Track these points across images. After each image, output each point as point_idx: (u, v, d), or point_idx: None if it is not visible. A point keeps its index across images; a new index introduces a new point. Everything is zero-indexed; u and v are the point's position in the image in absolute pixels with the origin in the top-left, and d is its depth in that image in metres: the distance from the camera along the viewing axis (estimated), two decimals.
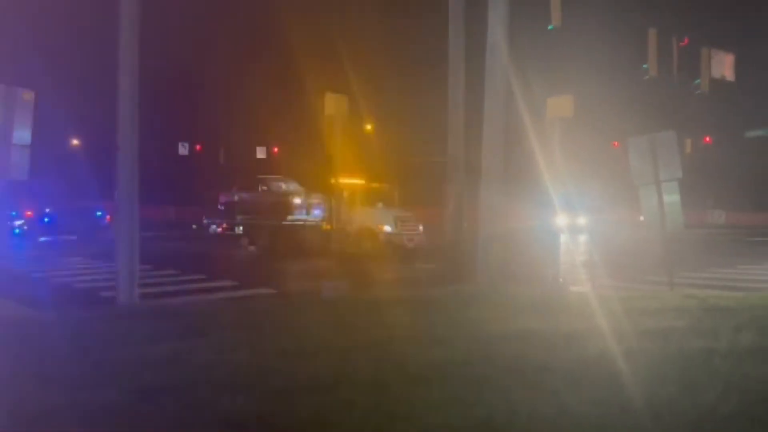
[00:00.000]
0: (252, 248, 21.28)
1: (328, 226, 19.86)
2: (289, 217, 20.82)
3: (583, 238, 22.84)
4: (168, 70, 40.05)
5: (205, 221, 24.39)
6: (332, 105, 18.40)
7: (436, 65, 14.28)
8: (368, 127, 37.66)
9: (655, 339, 6.41)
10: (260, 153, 39.93)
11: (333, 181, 20.16)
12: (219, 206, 23.71)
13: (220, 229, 23.18)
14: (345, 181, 20.55)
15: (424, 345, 6.29)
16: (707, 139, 29.09)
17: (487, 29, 11.40)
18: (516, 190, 15.34)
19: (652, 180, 12.71)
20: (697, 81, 16.69)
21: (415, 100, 34.58)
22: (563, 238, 17.78)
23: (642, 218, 13.08)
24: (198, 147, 41.59)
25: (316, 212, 20.89)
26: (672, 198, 13.33)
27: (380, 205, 20.50)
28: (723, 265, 17.35)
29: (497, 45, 11.40)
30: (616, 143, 28.92)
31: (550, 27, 12.88)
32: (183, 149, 40.17)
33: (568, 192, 19.41)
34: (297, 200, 21.17)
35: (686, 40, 16.57)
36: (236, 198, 22.65)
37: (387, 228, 19.13)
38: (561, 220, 20.65)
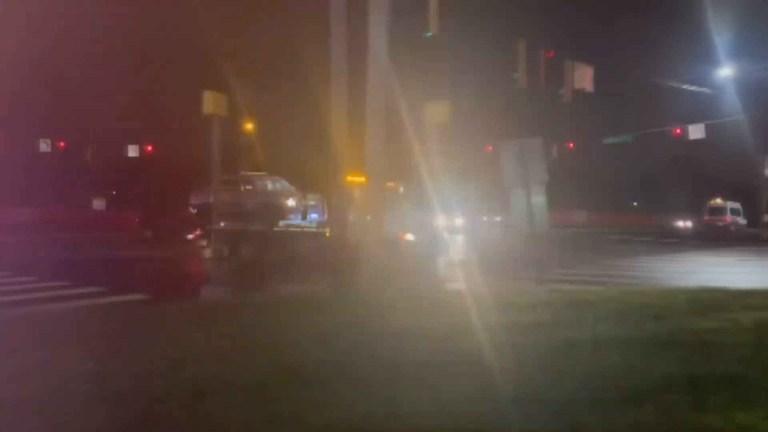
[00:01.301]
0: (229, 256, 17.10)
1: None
2: (282, 222, 17.91)
3: (460, 239, 23.73)
4: (29, 64, 37.07)
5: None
6: (211, 103, 17.48)
7: (319, 67, 14.27)
8: (248, 126, 36.90)
9: (524, 332, 6.82)
10: (132, 151, 37.75)
11: (340, 179, 17.40)
12: (190, 208, 20.69)
13: (191, 236, 20.68)
14: (354, 179, 16.95)
15: (306, 346, 6.28)
16: (571, 144, 31.32)
17: (368, 34, 11.57)
18: (400, 192, 15.77)
19: (521, 183, 13.51)
20: (561, 91, 17.97)
21: (300, 101, 34.43)
22: (444, 239, 18.22)
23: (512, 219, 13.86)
24: (62, 144, 38.75)
25: (313, 216, 18.32)
26: (539, 199, 14.26)
27: (397, 207, 17.40)
28: (586, 261, 18.75)
29: (378, 50, 11.60)
30: (489, 147, 30.30)
31: (428, 34, 13.31)
32: (45, 146, 37.27)
33: (447, 194, 19.25)
34: (291, 202, 18.27)
35: (552, 53, 17.77)
36: (212, 199, 18.56)
37: (410, 237, 15.85)
38: (441, 221, 19.44)
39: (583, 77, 18.26)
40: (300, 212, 18.23)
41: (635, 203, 44.83)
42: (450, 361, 5.64)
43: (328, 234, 15.91)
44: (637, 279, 14.39)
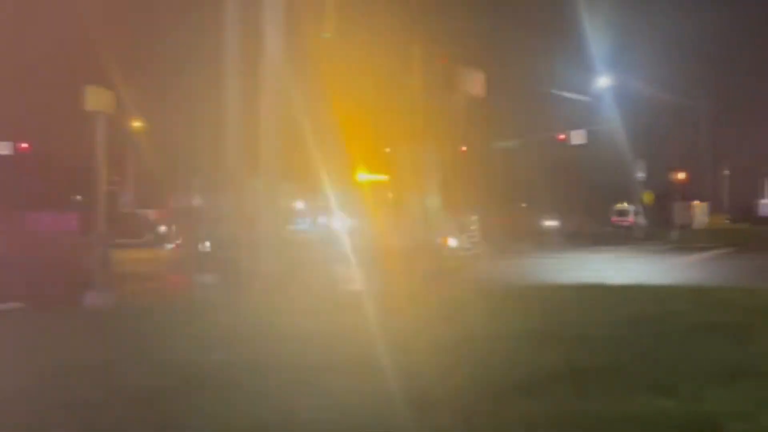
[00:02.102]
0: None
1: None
2: (289, 228, 15.62)
3: (357, 240, 23.75)
4: None
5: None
6: (94, 99, 16.24)
7: (213, 64, 13.86)
8: (136, 124, 35.20)
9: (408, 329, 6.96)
10: (4, 149, 34.85)
11: (357, 177, 15.23)
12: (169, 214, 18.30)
13: (173, 245, 17.18)
14: (373, 177, 15.56)
15: (194, 352, 6.08)
16: (463, 149, 32.36)
17: (263, 33, 11.38)
18: (294, 193, 15.55)
19: (415, 185, 13.84)
20: (454, 96, 18.52)
21: (193, 99, 33.22)
22: (340, 240, 18.04)
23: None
24: None
25: (323, 220, 16.28)
26: (433, 200, 14.65)
27: (429, 210, 15.19)
28: None
29: (273, 49, 11.44)
30: (386, 150, 30.64)
31: (325, 36, 13.27)
32: None
33: (343, 195, 18.53)
34: (298, 205, 16.16)
35: (445, 59, 18.29)
36: (197, 203, 16.20)
37: (452, 241, 14.53)
38: (337, 222, 18.17)
39: (475, 83, 18.93)
40: (309, 216, 16.33)
41: (524, 205, 47.16)
42: (345, 365, 5.65)
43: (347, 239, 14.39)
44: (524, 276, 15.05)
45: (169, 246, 18.34)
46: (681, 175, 34.60)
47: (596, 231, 32.35)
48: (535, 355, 5.71)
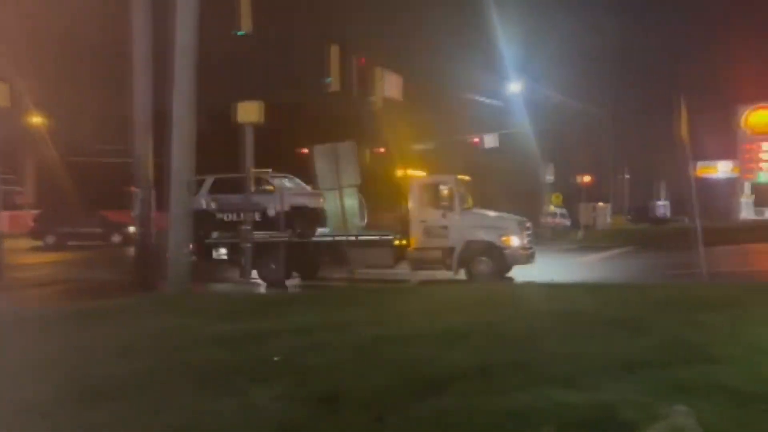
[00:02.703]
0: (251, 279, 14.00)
1: (402, 242, 13.86)
2: (321, 230, 14.70)
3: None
4: None
5: None
6: None
7: (123, 61, 13.29)
8: (36, 119, 33.23)
9: (338, 330, 6.98)
10: None
11: (401, 174, 14.75)
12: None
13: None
14: (416, 174, 14.83)
15: (104, 359, 5.85)
16: (382, 149, 32.62)
17: (175, 29, 11.05)
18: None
19: (334, 185, 13.84)
20: (372, 98, 18.68)
21: (97, 95, 31.75)
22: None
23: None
24: None
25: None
26: (351, 201, 14.72)
27: (481, 207, 14.79)
28: None
29: (186, 47, 11.12)
30: (304, 150, 30.56)
31: (240, 33, 13.03)
32: None
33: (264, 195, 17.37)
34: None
35: (363, 60, 18.40)
36: (212, 204, 14.73)
37: (515, 240, 13.58)
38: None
39: (393, 85, 19.16)
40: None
41: None
42: (259, 364, 5.61)
43: (397, 242, 13.87)
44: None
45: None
46: (586, 178, 36.39)
47: None
48: (446, 353, 5.86)
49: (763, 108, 37.36)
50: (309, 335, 6.70)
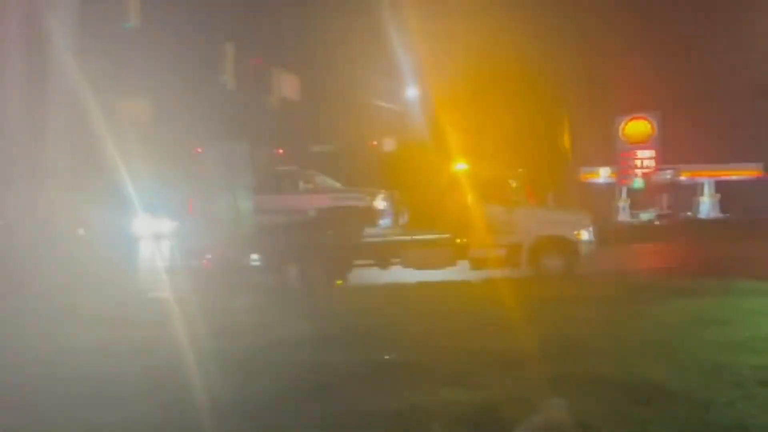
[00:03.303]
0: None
1: (463, 239, 12.89)
2: (373, 231, 13.68)
3: (166, 244, 22.41)
4: None
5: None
6: None
7: None
8: None
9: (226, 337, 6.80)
10: None
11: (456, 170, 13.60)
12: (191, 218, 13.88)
13: (204, 261, 13.72)
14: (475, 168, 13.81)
15: None
16: (280, 150, 32.16)
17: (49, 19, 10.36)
18: (87, 193, 14.30)
19: (227, 185, 13.51)
20: (269, 98, 18.41)
21: None
22: (144, 243, 16.80)
23: None
24: None
25: (402, 220, 14.23)
26: (244, 203, 14.32)
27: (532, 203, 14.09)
28: None
29: (63, 41, 10.45)
30: (198, 149, 29.62)
31: (127, 25, 12.43)
32: None
33: (152, 196, 14.89)
34: (380, 203, 13.73)
35: (260, 60, 18.08)
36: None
37: (585, 235, 13.08)
38: (142, 224, 16.57)
39: (289, 86, 18.98)
40: (391, 216, 13.93)
41: None
42: (145, 374, 5.35)
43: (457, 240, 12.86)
44: None
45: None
46: None
47: None
48: (334, 356, 5.85)
49: (637, 118, 40.23)
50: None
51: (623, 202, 46.04)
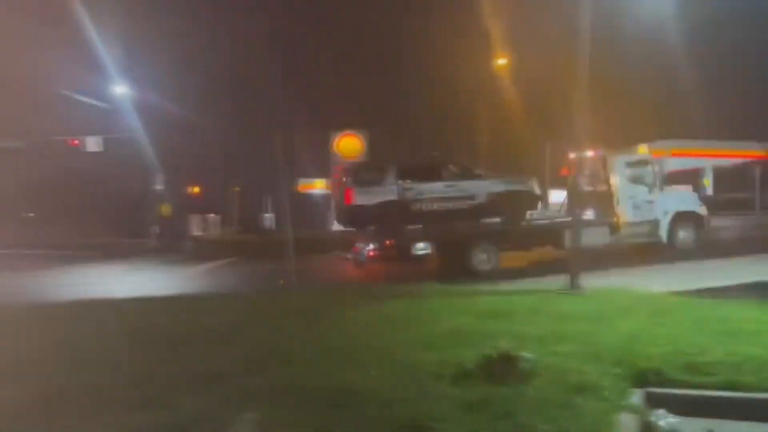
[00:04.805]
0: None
1: (616, 217, 14.95)
2: (529, 215, 14.99)
3: None
4: None
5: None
6: None
7: None
8: None
9: None
10: None
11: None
12: (348, 213, 13.67)
13: (371, 252, 14.16)
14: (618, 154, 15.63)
15: None
16: None
17: None
18: None
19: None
20: None
21: None
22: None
23: None
24: None
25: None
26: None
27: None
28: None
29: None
30: None
31: None
32: None
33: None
34: (536, 188, 14.90)
35: None
36: (408, 193, 13.50)
37: (704, 211, 15.71)
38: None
39: None
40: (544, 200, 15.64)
41: (31, 214, 42.00)
42: None
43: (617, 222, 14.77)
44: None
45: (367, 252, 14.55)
46: (196, 189, 36.48)
47: (109, 242, 30.88)
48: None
49: (349, 135, 43.11)
50: None
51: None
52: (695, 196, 16.91)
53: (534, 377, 4.72)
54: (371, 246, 14.56)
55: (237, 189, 52.45)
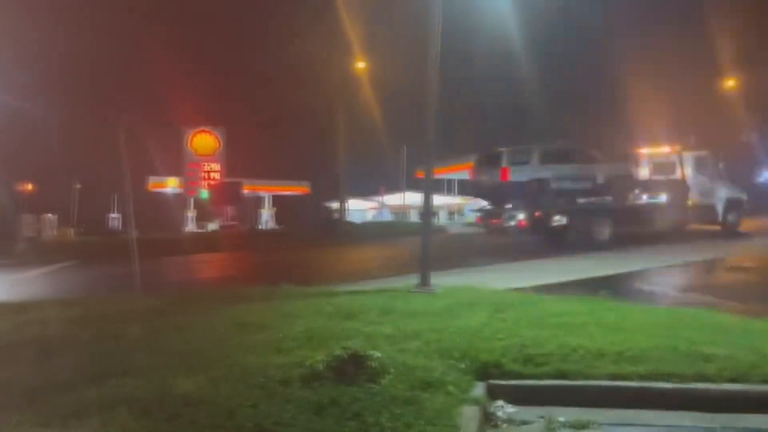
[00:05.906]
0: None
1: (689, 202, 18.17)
2: (633, 196, 17.96)
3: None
4: None
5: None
6: None
7: None
8: None
9: None
10: None
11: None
12: (501, 188, 16.47)
13: (521, 222, 16.20)
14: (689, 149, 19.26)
15: None
16: None
17: None
18: None
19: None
20: None
21: None
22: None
23: None
24: None
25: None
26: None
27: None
28: None
29: None
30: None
31: None
32: None
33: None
34: (634, 172, 18.10)
35: None
36: (547, 173, 16.49)
37: (746, 196, 19.74)
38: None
39: None
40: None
41: None
42: None
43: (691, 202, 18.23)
44: None
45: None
46: (29, 186, 33.21)
47: None
48: None
49: (203, 132, 41.57)
50: None
51: (191, 213, 46.93)
52: (738, 186, 20.38)
53: (383, 376, 4.74)
54: (521, 216, 16.51)
55: (78, 186, 48.56)
